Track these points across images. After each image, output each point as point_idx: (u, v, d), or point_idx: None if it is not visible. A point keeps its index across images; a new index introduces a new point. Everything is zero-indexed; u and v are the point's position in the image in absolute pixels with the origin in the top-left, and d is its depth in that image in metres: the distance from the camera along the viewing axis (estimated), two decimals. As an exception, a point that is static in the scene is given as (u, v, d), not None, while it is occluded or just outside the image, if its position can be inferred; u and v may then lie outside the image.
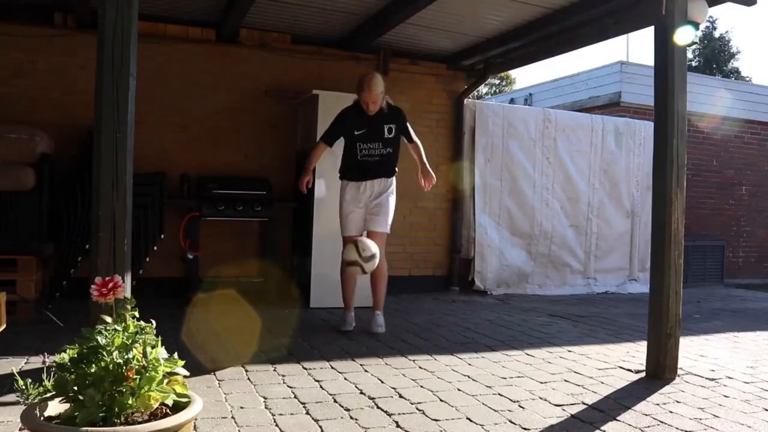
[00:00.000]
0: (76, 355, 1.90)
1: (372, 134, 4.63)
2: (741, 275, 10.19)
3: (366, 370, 3.50)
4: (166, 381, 1.97)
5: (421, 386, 3.23)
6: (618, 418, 2.85)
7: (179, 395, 1.99)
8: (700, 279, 8.91)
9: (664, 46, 3.62)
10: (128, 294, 2.27)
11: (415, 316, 5.35)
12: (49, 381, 2.00)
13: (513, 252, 7.25)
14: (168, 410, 1.95)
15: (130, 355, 1.90)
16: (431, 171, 4.71)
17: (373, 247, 4.22)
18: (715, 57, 28.05)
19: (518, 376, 3.51)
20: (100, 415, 1.82)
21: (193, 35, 5.90)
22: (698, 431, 2.72)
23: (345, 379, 3.32)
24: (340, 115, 4.73)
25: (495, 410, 2.89)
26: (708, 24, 28.13)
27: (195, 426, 2.46)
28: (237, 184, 5.72)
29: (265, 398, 2.93)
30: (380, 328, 4.57)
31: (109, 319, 1.97)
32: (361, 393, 3.08)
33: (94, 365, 1.86)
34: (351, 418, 2.71)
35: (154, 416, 1.91)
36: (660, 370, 3.55)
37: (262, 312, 4.90)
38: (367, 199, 4.64)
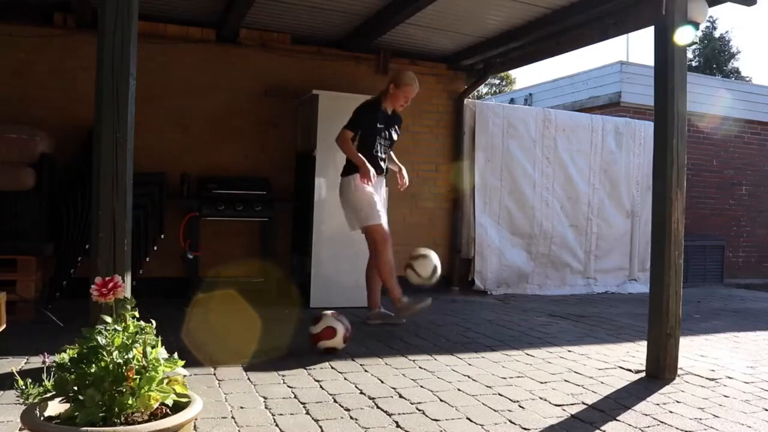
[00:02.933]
0: (76, 355, 1.91)
1: (388, 132, 4.69)
2: (741, 275, 10.19)
3: (366, 370, 3.50)
4: (166, 381, 1.97)
5: (421, 386, 3.23)
6: (618, 418, 2.85)
7: (179, 395, 1.99)
8: (700, 279, 8.91)
9: (664, 46, 3.62)
10: (128, 294, 2.27)
11: (415, 316, 5.34)
12: (49, 381, 2.00)
13: (513, 252, 7.25)
14: (168, 410, 1.96)
15: (130, 355, 1.90)
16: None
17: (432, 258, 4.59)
18: (715, 57, 28.06)
19: (518, 376, 3.51)
20: (100, 415, 1.82)
21: (193, 35, 5.90)
22: (698, 431, 2.72)
23: (345, 379, 3.32)
24: (367, 107, 4.69)
25: (495, 410, 2.89)
26: (708, 24, 28.15)
27: (195, 426, 2.46)
28: (237, 184, 5.72)
29: (265, 398, 2.93)
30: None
31: (109, 319, 1.97)
32: (361, 393, 3.08)
33: (94, 365, 1.86)
34: (351, 418, 2.71)
35: (154, 416, 1.91)
36: (660, 370, 3.55)
37: (262, 312, 4.90)
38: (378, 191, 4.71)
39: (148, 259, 5.31)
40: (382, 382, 3.29)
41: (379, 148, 4.72)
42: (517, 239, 7.29)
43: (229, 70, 6.06)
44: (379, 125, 4.69)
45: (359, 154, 4.55)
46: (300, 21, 5.80)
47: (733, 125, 10.08)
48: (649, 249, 3.87)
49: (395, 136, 4.88)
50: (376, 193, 4.73)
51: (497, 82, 26.56)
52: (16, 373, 2.13)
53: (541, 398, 3.11)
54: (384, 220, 4.71)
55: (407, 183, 5.00)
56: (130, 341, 1.93)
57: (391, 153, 5.01)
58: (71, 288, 4.83)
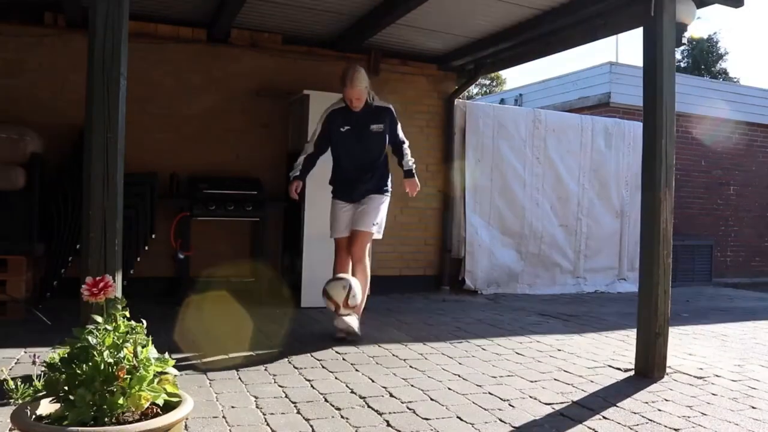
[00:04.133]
0: (66, 355, 1.90)
1: (358, 132, 4.51)
2: (729, 274, 10.27)
3: (357, 370, 3.51)
4: (156, 380, 1.97)
5: (412, 385, 3.25)
6: (607, 416, 2.87)
7: (170, 395, 1.99)
8: (689, 278, 8.97)
9: (652, 47, 3.65)
10: (119, 294, 2.27)
11: (406, 315, 5.36)
12: (39, 381, 2.00)
13: (503, 251, 7.28)
14: (159, 410, 1.96)
15: (121, 355, 1.90)
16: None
17: (357, 293, 4.24)
18: (704, 58, 28.23)
19: (508, 375, 3.53)
20: (91, 414, 1.82)
21: (184, 35, 5.88)
22: (687, 429, 2.74)
23: (336, 378, 3.33)
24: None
25: (485, 409, 2.91)
26: (696, 25, 28.31)
27: (186, 425, 2.46)
28: (228, 184, 5.71)
29: (256, 397, 2.93)
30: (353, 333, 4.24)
31: (99, 319, 1.97)
32: (352, 392, 3.08)
33: (84, 365, 1.86)
34: (342, 417, 2.72)
35: (145, 416, 1.91)
36: (649, 369, 3.58)
37: (254, 312, 4.89)
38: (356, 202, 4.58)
39: (139, 259, 5.30)
40: (373, 381, 3.30)
41: (345, 153, 4.53)
42: (508, 239, 7.32)
43: (220, 70, 6.05)
44: (341, 129, 4.48)
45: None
46: (291, 21, 5.80)
47: (722, 126, 10.16)
48: (639, 248, 3.89)
49: (375, 129, 4.50)
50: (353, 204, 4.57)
51: (488, 82, 26.63)
52: (6, 374, 2.13)
53: (531, 397, 3.13)
54: (340, 235, 4.55)
55: (416, 191, 4.76)
56: (120, 341, 1.93)
57: (404, 157, 4.70)
58: (62, 288, 4.82)
